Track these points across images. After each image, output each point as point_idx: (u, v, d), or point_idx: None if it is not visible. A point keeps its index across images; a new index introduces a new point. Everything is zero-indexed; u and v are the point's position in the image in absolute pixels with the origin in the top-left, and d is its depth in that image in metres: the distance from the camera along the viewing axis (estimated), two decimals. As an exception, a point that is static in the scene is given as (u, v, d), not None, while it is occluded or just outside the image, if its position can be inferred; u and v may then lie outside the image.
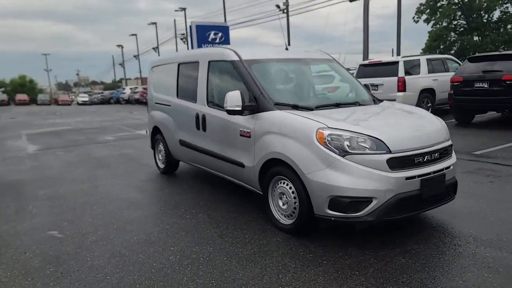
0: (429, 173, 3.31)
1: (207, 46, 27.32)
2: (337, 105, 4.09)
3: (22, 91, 57.27)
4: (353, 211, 3.16)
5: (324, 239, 3.46)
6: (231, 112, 3.89)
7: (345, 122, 3.42)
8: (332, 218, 3.23)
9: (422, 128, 3.57)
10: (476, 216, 3.86)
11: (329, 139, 3.22)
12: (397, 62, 11.05)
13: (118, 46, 57.32)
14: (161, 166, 6.23)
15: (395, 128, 3.48)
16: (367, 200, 3.13)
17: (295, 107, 3.82)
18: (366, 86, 4.95)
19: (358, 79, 11.57)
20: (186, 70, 5.24)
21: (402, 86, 10.81)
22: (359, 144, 3.19)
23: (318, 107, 3.95)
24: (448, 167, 3.50)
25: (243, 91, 3.96)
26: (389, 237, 3.46)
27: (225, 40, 28.47)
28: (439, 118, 3.95)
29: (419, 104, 11.03)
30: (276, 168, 3.65)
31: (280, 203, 3.70)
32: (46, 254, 3.40)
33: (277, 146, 3.60)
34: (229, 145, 4.31)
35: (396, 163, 3.18)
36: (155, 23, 41.05)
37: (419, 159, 3.30)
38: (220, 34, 27.02)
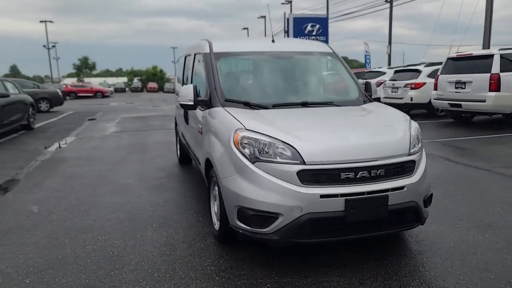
0: (361, 193, 2.68)
1: (303, 39, 26.92)
2: (304, 105, 3.59)
3: (154, 79, 64.88)
4: (259, 226, 2.75)
5: (245, 252, 3.10)
6: (183, 106, 3.75)
7: (268, 124, 2.97)
8: (240, 231, 2.87)
9: (368, 138, 2.90)
10: (455, 257, 3.01)
11: (244, 141, 2.85)
12: (491, 56, 9.20)
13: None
14: (178, 155, 6.38)
15: (328, 136, 2.90)
16: (273, 216, 2.69)
17: (247, 104, 3.48)
18: (367, 84, 4.22)
19: (443, 75, 10.15)
20: (187, 62, 5.21)
21: (495, 84, 8.97)
22: (273, 150, 2.75)
23: (276, 106, 3.53)
24: (398, 188, 2.78)
25: (204, 85, 3.81)
26: (319, 261, 2.93)
27: (322, 32, 27.60)
28: (413, 126, 3.15)
29: (519, 108, 9.05)
30: (212, 169, 3.39)
31: (215, 207, 3.44)
32: (6, 226, 3.78)
33: (209, 146, 3.35)
34: (195, 140, 4.19)
35: (309, 177, 2.66)
36: (264, 17, 41.91)
37: (348, 174, 2.69)
38: (317, 26, 26.28)
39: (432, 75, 11.66)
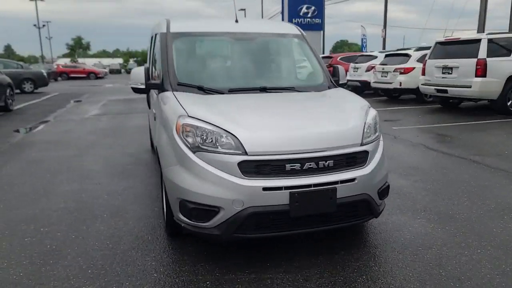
0: (307, 186, 2.51)
1: (297, 21, 26.36)
2: (264, 90, 3.38)
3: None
4: (200, 220, 2.58)
5: (193, 246, 2.94)
6: (135, 90, 3.53)
7: (214, 111, 2.75)
8: (182, 225, 2.70)
9: (317, 128, 2.68)
10: (409, 251, 2.86)
11: (186, 129, 2.65)
12: (479, 40, 8.95)
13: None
14: (151, 141, 6.18)
15: (275, 125, 2.69)
16: (214, 210, 2.52)
17: (201, 88, 3.26)
18: (334, 69, 3.99)
19: (431, 60, 9.88)
20: (152, 43, 4.96)
21: (481, 70, 8.75)
22: (215, 139, 2.55)
23: (232, 91, 3.32)
24: (348, 180, 2.61)
25: (159, 67, 3.59)
26: (265, 256, 2.78)
27: (318, 14, 27.08)
28: (370, 114, 2.95)
29: (504, 93, 8.83)
30: None
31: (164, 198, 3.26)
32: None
33: (157, 133, 3.16)
34: (152, 127, 3.99)
35: (251, 168, 2.47)
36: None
37: (294, 166, 2.51)
38: (312, 8, 25.78)
39: (422, 59, 11.41)
